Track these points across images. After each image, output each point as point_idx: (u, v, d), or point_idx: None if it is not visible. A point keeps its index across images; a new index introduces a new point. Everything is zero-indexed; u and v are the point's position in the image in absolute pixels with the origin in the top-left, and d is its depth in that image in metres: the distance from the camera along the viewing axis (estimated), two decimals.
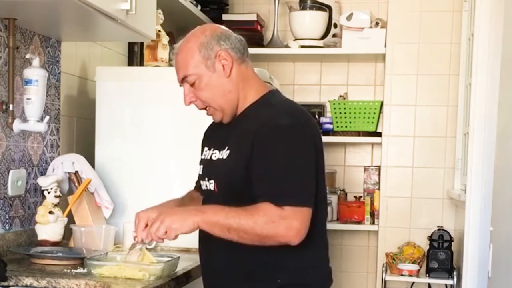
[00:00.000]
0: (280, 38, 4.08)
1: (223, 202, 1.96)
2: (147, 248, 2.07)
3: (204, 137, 2.25)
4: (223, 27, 2.11)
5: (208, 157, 2.12)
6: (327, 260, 2.14)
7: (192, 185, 2.33)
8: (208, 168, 2.12)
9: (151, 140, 2.79)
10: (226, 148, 2.03)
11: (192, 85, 2.03)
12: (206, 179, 2.11)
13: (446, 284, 3.88)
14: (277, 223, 1.87)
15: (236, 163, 1.98)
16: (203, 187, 2.14)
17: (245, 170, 1.95)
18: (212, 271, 2.12)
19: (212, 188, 2.08)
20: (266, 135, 1.94)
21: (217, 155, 2.07)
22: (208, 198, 2.11)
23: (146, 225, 2.00)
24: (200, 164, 2.18)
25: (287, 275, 2.01)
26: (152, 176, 2.78)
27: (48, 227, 2.46)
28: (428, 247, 3.83)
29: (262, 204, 1.89)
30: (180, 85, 2.08)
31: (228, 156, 2.02)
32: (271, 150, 1.93)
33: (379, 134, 4.08)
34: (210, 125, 2.23)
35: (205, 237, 2.07)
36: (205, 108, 2.09)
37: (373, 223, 4.05)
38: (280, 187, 1.90)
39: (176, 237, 1.94)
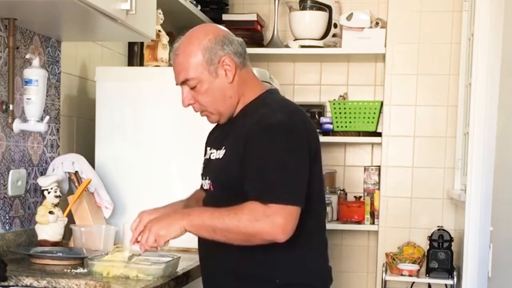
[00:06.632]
0: (280, 38, 4.08)
1: (219, 201, 1.97)
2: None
3: (207, 137, 2.25)
4: (223, 28, 2.09)
5: (208, 157, 2.13)
6: (326, 260, 2.13)
7: (193, 184, 2.33)
8: (206, 167, 2.13)
9: (151, 140, 2.79)
10: (223, 147, 2.04)
11: (192, 88, 2.02)
12: (204, 178, 2.12)
13: (446, 284, 3.88)
14: (261, 221, 1.87)
15: (230, 162, 1.99)
16: (204, 187, 2.15)
17: (239, 168, 1.95)
18: (210, 272, 2.12)
19: (208, 187, 2.09)
20: (257, 133, 1.94)
21: (214, 154, 2.08)
22: (207, 197, 2.12)
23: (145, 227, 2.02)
24: (203, 164, 2.19)
25: (285, 275, 2.00)
26: (152, 176, 2.78)
27: (48, 227, 2.46)
28: (428, 247, 3.83)
29: (249, 202, 1.89)
30: (177, 84, 2.07)
31: (223, 155, 2.02)
32: (260, 147, 1.93)
33: (379, 134, 4.08)
34: (214, 126, 2.23)
35: (203, 239, 2.08)
36: (201, 111, 2.08)
37: (373, 223, 4.05)
38: (266, 185, 1.90)
39: (166, 243, 1.95)
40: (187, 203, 2.22)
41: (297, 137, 1.96)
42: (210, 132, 2.24)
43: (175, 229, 1.93)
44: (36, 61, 2.43)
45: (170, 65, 2.92)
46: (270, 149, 1.92)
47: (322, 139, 3.65)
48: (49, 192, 2.50)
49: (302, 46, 4.02)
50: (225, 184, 2.01)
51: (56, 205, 2.50)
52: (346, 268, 4.24)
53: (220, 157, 2.03)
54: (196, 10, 3.58)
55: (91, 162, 2.74)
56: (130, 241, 2.05)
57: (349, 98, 4.20)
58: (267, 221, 1.87)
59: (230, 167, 1.98)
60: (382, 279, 3.90)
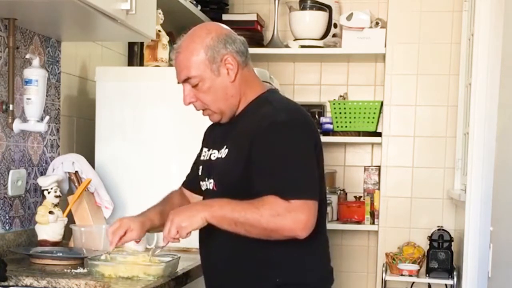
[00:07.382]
0: (280, 38, 4.08)
1: None
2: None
3: (203, 138, 2.25)
4: (226, 26, 2.09)
5: (207, 158, 2.12)
6: (328, 259, 2.14)
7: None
8: (208, 168, 2.12)
9: (151, 140, 2.79)
10: (225, 147, 2.03)
11: (194, 86, 2.02)
12: (206, 179, 2.11)
13: (446, 284, 3.88)
14: (283, 217, 1.87)
15: (234, 161, 1.99)
16: (203, 188, 2.14)
17: (244, 168, 1.95)
18: (211, 271, 2.12)
19: (211, 187, 2.08)
20: (264, 132, 1.94)
21: (216, 154, 2.07)
22: (207, 197, 2.11)
23: (125, 233, 2.05)
24: (199, 165, 2.18)
25: (286, 274, 2.00)
26: (152, 176, 2.78)
27: (48, 227, 2.46)
28: (428, 247, 3.83)
29: (268, 197, 1.88)
30: (178, 83, 2.07)
31: (227, 154, 2.02)
32: (271, 146, 1.93)
33: (379, 134, 4.08)
34: (209, 126, 2.23)
35: (204, 237, 2.08)
36: (203, 109, 2.08)
37: (373, 223, 4.05)
38: (285, 181, 1.90)
39: (188, 234, 1.95)
40: (162, 208, 2.17)
41: (303, 134, 1.98)
42: (206, 133, 2.24)
43: (197, 220, 1.92)
44: (36, 61, 2.43)
45: (170, 65, 2.92)
46: (280, 147, 1.93)
47: (322, 139, 3.63)
48: (49, 192, 2.50)
49: (302, 46, 4.02)
50: (230, 183, 2.01)
51: (56, 205, 2.50)
52: (346, 268, 4.24)
53: (223, 156, 2.03)
54: (196, 10, 3.58)
55: (91, 162, 2.75)
56: (110, 244, 2.06)
57: (349, 98, 4.20)
58: (289, 217, 1.87)
59: (235, 166, 1.98)
60: (382, 279, 3.90)
